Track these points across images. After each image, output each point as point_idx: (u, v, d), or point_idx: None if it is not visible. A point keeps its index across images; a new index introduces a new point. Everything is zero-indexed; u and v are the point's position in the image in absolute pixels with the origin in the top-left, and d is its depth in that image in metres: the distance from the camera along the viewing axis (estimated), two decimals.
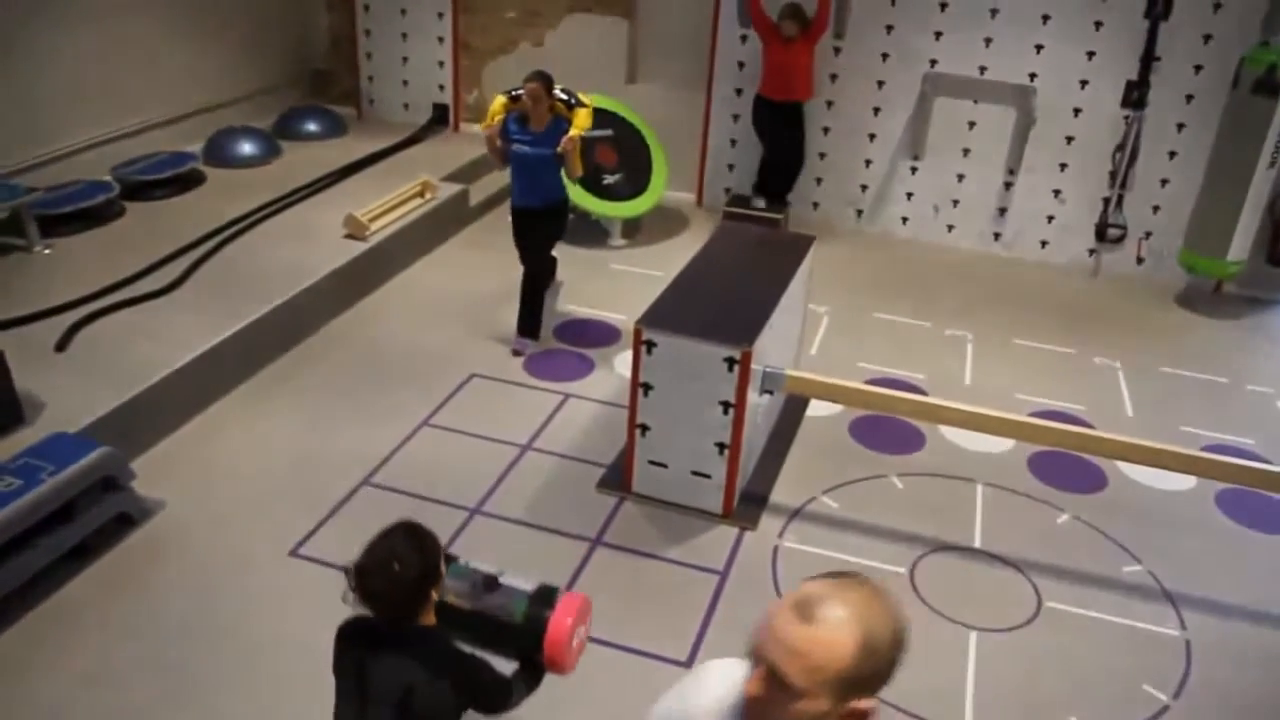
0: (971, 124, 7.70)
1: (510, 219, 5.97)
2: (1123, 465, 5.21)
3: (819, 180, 8.17)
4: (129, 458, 4.52)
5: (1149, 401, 6.00)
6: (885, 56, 7.71)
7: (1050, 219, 7.78)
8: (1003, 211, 7.88)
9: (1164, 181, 7.40)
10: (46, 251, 6.21)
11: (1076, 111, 7.43)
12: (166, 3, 7.65)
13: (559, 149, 5.61)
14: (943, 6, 7.46)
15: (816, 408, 5.60)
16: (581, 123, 5.69)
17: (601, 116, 7.29)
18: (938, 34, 7.54)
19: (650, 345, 4.52)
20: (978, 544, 4.69)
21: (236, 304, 5.68)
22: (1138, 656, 4.08)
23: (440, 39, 8.92)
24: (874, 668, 1.47)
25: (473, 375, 5.81)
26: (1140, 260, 7.62)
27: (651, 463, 4.75)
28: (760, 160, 7.91)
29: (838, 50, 7.78)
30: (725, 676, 1.69)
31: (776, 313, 4.77)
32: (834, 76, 7.85)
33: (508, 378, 5.82)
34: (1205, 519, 4.99)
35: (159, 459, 4.87)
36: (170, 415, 5.07)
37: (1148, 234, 7.56)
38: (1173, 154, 7.33)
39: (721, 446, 4.58)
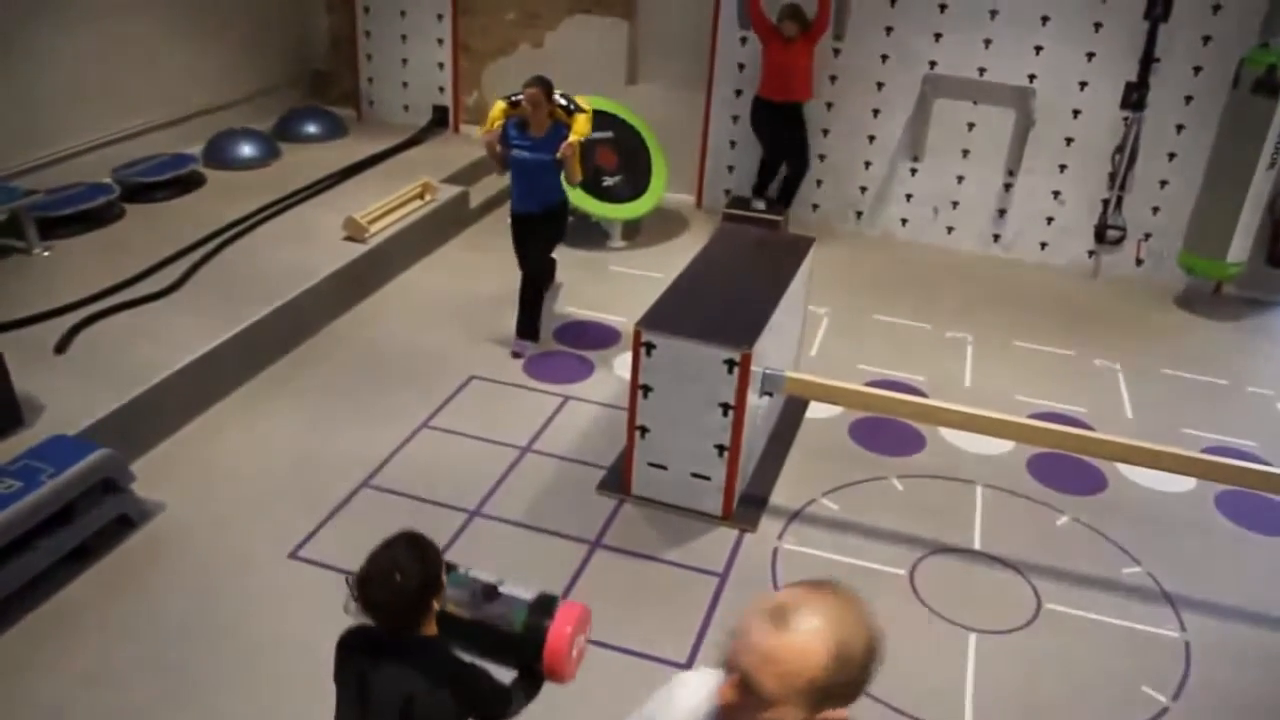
0: (971, 125, 7.70)
1: (510, 224, 5.98)
2: (1122, 467, 5.20)
3: (819, 182, 8.17)
4: (129, 460, 4.52)
5: (1149, 403, 6.00)
6: (885, 58, 7.72)
7: (1050, 220, 7.78)
8: (1002, 213, 7.88)
9: (1163, 183, 7.40)
10: (46, 253, 6.21)
11: (1076, 113, 7.44)
12: (166, 4, 7.65)
13: (558, 155, 5.62)
14: (942, 8, 7.46)
15: (816, 409, 5.60)
16: (581, 128, 5.70)
17: (601, 118, 7.30)
18: (937, 35, 7.54)
19: (650, 347, 4.52)
20: (977, 546, 4.69)
21: (236, 306, 5.68)
22: (1137, 658, 4.09)
23: (440, 41, 8.92)
24: (847, 677, 1.46)
25: (472, 377, 5.81)
26: (1140, 262, 7.62)
27: (651, 465, 4.75)
28: (759, 162, 7.91)
29: (837, 52, 7.78)
30: (699, 686, 1.68)
31: (776, 315, 4.77)
32: (833, 78, 7.85)
33: (507, 379, 5.83)
34: (1205, 521, 4.99)
35: (159, 461, 4.88)
36: (170, 417, 5.08)
37: (1147, 235, 7.56)
38: (1172, 155, 7.33)
39: (721, 448, 4.58)
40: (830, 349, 6.39)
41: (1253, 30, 6.83)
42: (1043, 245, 7.86)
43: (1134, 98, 7.20)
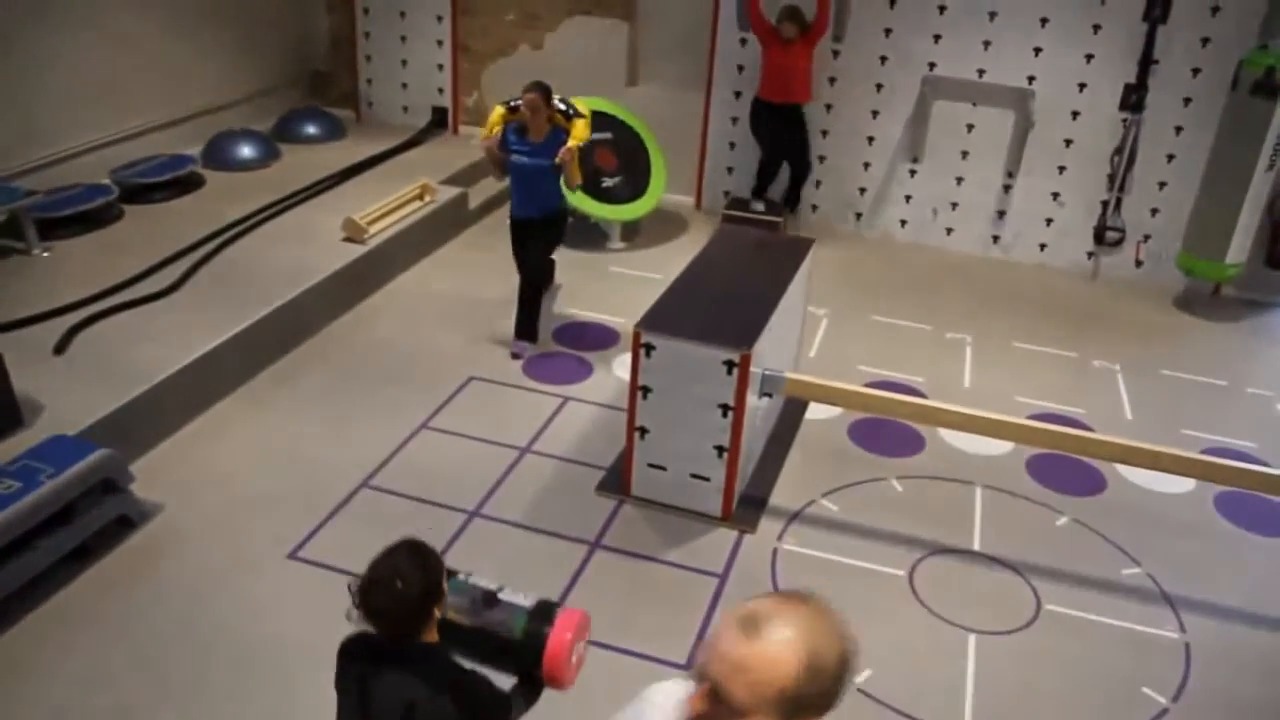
0: (970, 127, 7.71)
1: (509, 228, 5.98)
2: (1122, 468, 5.20)
3: (818, 183, 8.17)
4: (128, 460, 4.52)
5: (1148, 404, 6.00)
6: (884, 59, 7.72)
7: (1049, 222, 7.79)
8: (1001, 214, 7.89)
9: (1162, 184, 7.41)
10: (45, 254, 6.21)
11: (1075, 114, 7.45)
12: (166, 4, 7.65)
13: (557, 160, 5.63)
14: (941, 9, 7.47)
15: (816, 410, 5.60)
16: (579, 134, 5.71)
17: (601, 119, 7.31)
18: (936, 37, 7.55)
19: (649, 348, 4.52)
20: (977, 547, 4.69)
21: (235, 307, 5.68)
22: (1137, 659, 4.09)
23: (440, 42, 8.92)
24: (819, 688, 1.45)
25: (472, 378, 5.81)
26: (1139, 263, 7.63)
27: (650, 465, 4.75)
28: (759, 163, 7.91)
29: (836, 53, 7.79)
30: (670, 695, 1.68)
31: (776, 316, 4.78)
32: (833, 79, 7.86)
33: (507, 380, 5.83)
34: (1204, 522, 5.00)
35: (158, 461, 4.88)
36: (169, 417, 5.07)
37: (1146, 237, 7.57)
38: (1171, 157, 7.34)
39: (720, 449, 4.58)
40: (830, 350, 6.39)
41: (1251, 32, 6.84)
42: (1042, 246, 7.86)
43: (1133, 99, 7.22)
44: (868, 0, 7.59)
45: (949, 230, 8.05)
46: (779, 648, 1.43)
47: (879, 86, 7.81)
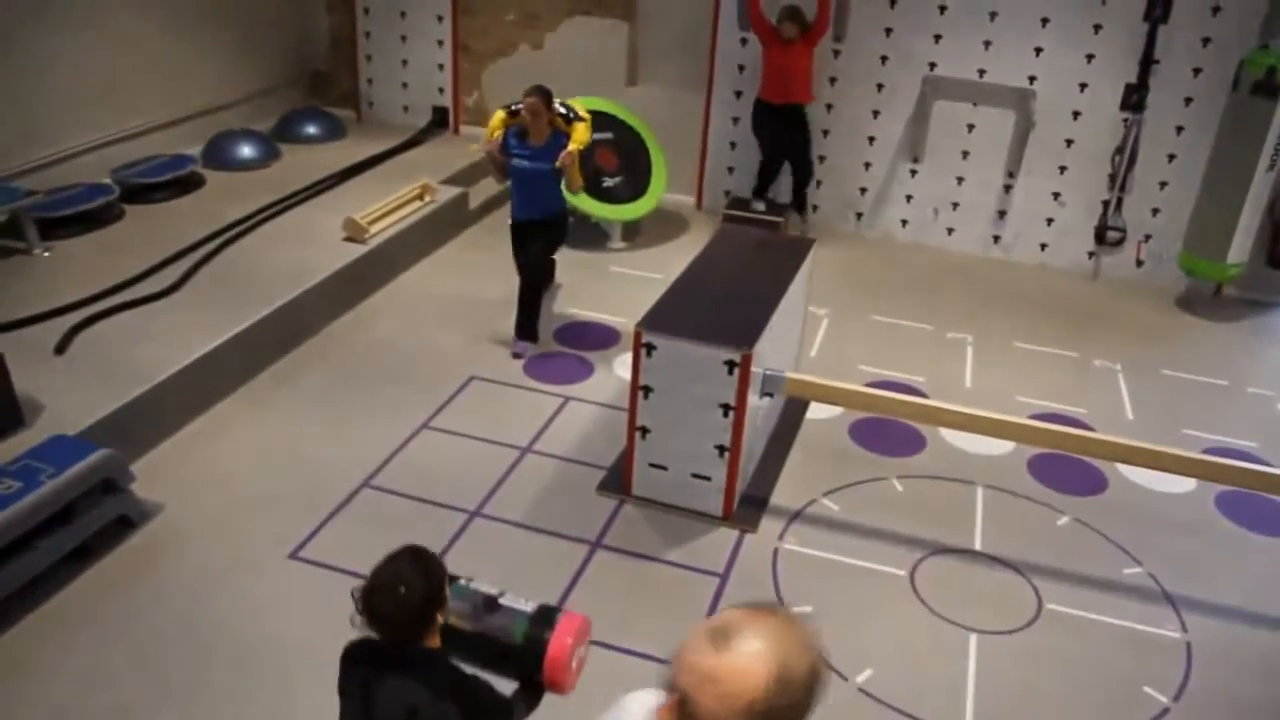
0: (971, 127, 7.70)
1: (510, 231, 5.99)
2: (1123, 467, 5.20)
3: (819, 183, 8.16)
4: (129, 460, 4.52)
5: (1149, 404, 6.00)
6: (885, 59, 7.72)
7: (1050, 222, 7.78)
8: (1002, 214, 7.89)
9: (1163, 184, 7.41)
10: (46, 254, 6.21)
11: (1076, 114, 7.44)
12: (166, 4, 7.65)
13: (557, 164, 5.63)
14: (942, 9, 7.47)
15: (816, 410, 5.59)
16: (580, 137, 5.73)
17: (601, 119, 7.30)
18: (937, 37, 7.54)
19: (650, 348, 4.52)
20: (978, 546, 4.69)
21: (236, 306, 5.68)
22: (1138, 658, 4.08)
23: (440, 42, 8.92)
24: (788, 700, 1.45)
25: (472, 378, 5.81)
26: (1140, 263, 7.62)
27: (651, 465, 4.75)
28: (760, 164, 7.91)
29: (837, 53, 7.78)
30: (642, 706, 1.68)
31: (776, 315, 4.77)
32: (833, 79, 7.86)
33: (507, 380, 5.82)
34: (1205, 521, 4.99)
35: (159, 461, 4.87)
36: (170, 417, 5.07)
37: (1147, 237, 7.57)
38: (1172, 157, 7.33)
39: (721, 449, 4.57)
40: (830, 350, 6.39)
41: (1252, 32, 6.84)
42: (1043, 246, 7.86)
43: (1134, 99, 7.21)
44: (868, 0, 7.59)
45: (950, 230, 8.04)
46: (748, 659, 1.43)
47: (880, 86, 7.81)
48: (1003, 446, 5.34)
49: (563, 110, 5.76)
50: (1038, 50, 7.37)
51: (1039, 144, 7.56)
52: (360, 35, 9.10)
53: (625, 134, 7.77)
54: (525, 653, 2.39)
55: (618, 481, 4.92)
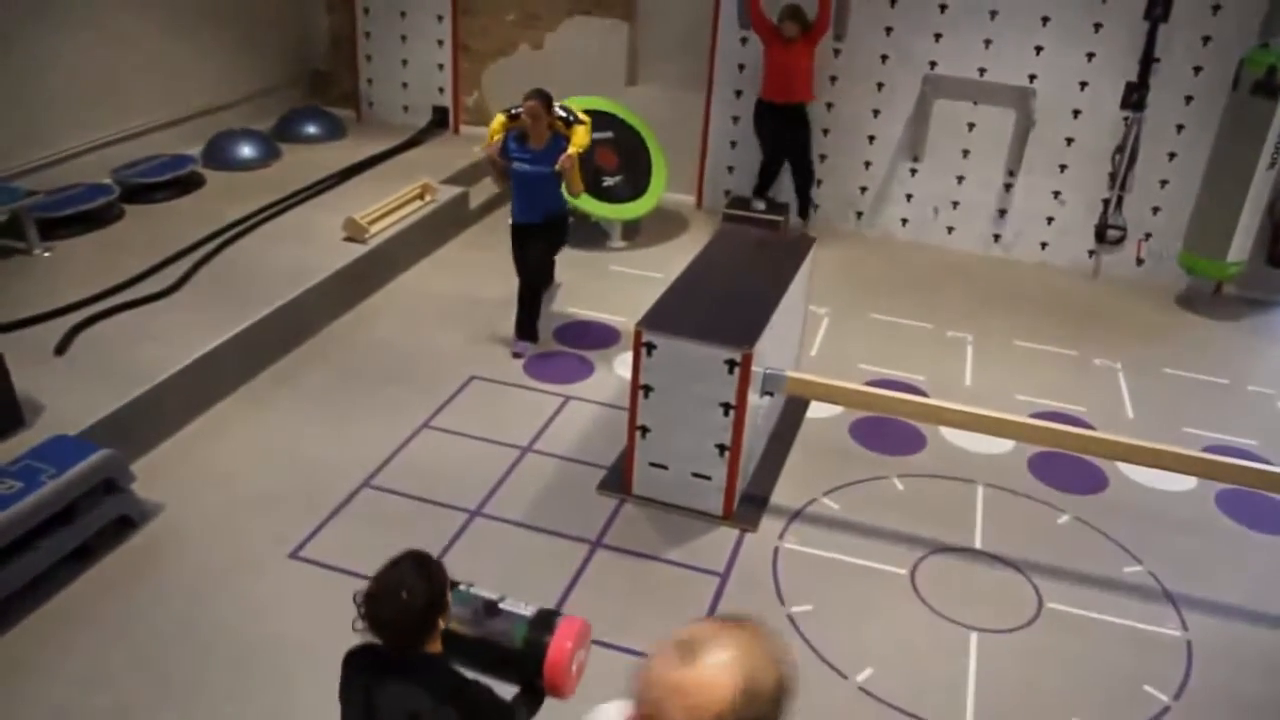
0: (971, 126, 7.70)
1: (510, 234, 5.99)
2: (1123, 466, 5.21)
3: (819, 182, 8.16)
4: (129, 460, 4.52)
5: (1149, 402, 6.00)
6: (885, 58, 7.72)
7: (1050, 220, 7.78)
8: (1002, 213, 7.89)
9: (1163, 183, 7.41)
10: (46, 254, 6.21)
11: (1076, 113, 7.44)
12: (166, 4, 7.65)
13: (557, 167, 5.64)
14: (942, 8, 7.47)
15: (817, 409, 5.59)
16: (580, 140, 5.73)
17: (601, 119, 7.31)
18: (937, 36, 7.54)
19: (650, 347, 4.52)
20: (978, 545, 4.69)
21: (236, 306, 5.68)
22: (1139, 657, 4.08)
23: (440, 41, 8.92)
24: (755, 713, 1.44)
25: (473, 377, 5.81)
26: (1140, 261, 7.62)
27: (652, 464, 4.75)
28: (761, 163, 7.91)
29: (837, 52, 7.78)
30: (614, 717, 1.67)
31: (777, 315, 4.77)
32: (834, 78, 7.85)
33: (508, 380, 5.82)
34: (1206, 519, 4.99)
35: (159, 461, 4.87)
36: (170, 417, 5.07)
37: (1147, 235, 7.56)
38: (1172, 155, 7.33)
39: (722, 448, 4.57)
40: (831, 349, 6.39)
41: (1252, 31, 6.83)
42: (1043, 245, 7.86)
43: (1134, 98, 7.21)
44: None
45: (950, 229, 8.04)
46: (715, 672, 1.43)
47: (880, 85, 7.80)
48: (1003, 445, 5.34)
49: (562, 113, 5.78)
50: (1038, 49, 7.36)
51: (1039, 142, 7.56)
52: (360, 35, 9.10)
53: (625, 133, 7.77)
54: (525, 657, 2.40)
55: (618, 481, 4.92)
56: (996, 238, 7.96)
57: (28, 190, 6.26)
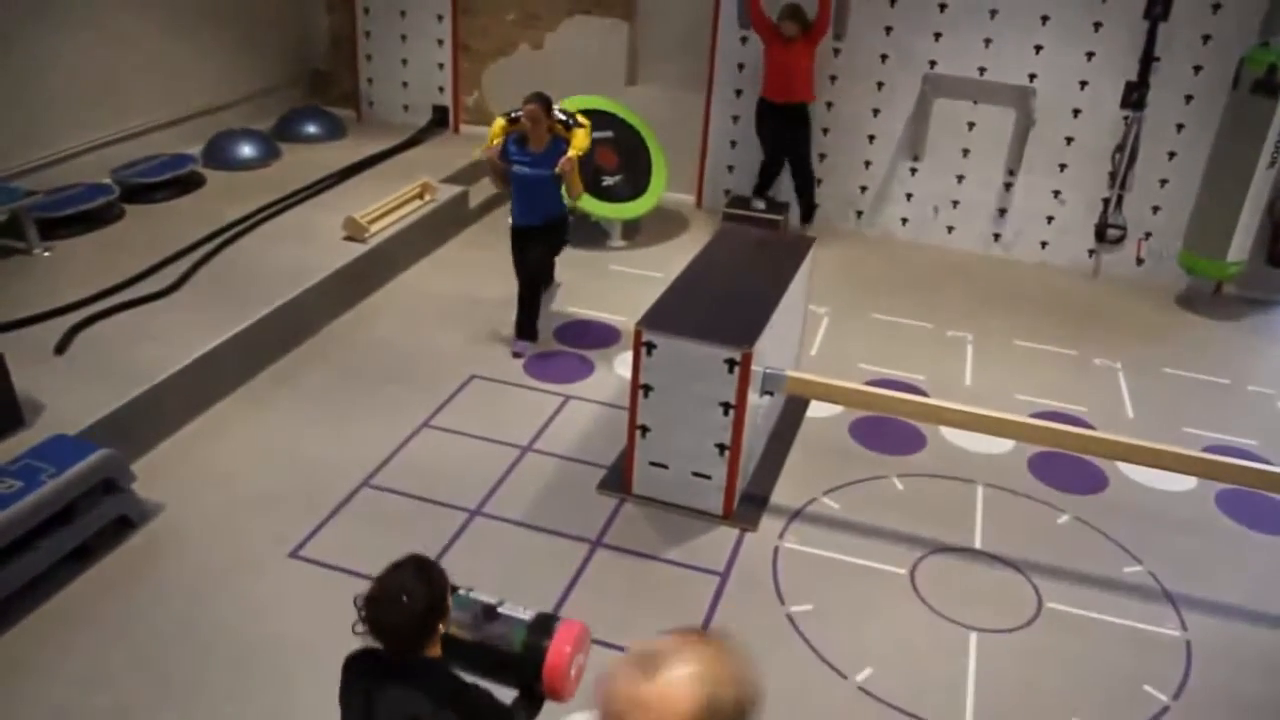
0: (971, 125, 7.70)
1: (510, 237, 5.99)
2: (1123, 466, 5.20)
3: (819, 181, 8.15)
4: (129, 460, 4.52)
5: (1149, 402, 6.00)
6: (885, 57, 7.71)
7: (1050, 220, 7.78)
8: (1002, 212, 7.88)
9: (1163, 182, 7.40)
10: (46, 254, 6.21)
11: (1076, 112, 7.44)
12: (166, 4, 7.65)
13: (557, 170, 5.64)
14: (942, 8, 7.46)
15: (817, 409, 5.59)
16: (579, 143, 5.75)
17: (601, 118, 7.30)
18: (937, 35, 7.54)
19: (650, 347, 4.52)
20: (978, 545, 4.69)
21: (236, 306, 5.68)
22: (1138, 657, 4.08)
23: (440, 41, 8.92)
24: None
25: (473, 377, 5.81)
26: (1140, 261, 7.62)
27: (652, 464, 4.75)
28: (761, 163, 7.91)
29: (837, 51, 7.78)
30: None
31: (777, 314, 4.77)
32: (834, 78, 7.85)
33: (508, 379, 5.82)
34: (1206, 519, 4.99)
35: (159, 461, 4.87)
36: (170, 417, 5.07)
37: (1147, 235, 7.56)
38: (1172, 154, 7.33)
39: (722, 448, 4.57)
40: (831, 348, 6.38)
41: (1253, 30, 6.83)
42: (1043, 244, 7.86)
43: (1134, 97, 7.21)
44: None
45: (950, 228, 8.04)
46: (676, 686, 1.42)
47: (880, 84, 7.80)
48: (1003, 445, 5.34)
49: (562, 117, 5.79)
50: (1038, 48, 7.36)
51: (1039, 142, 7.55)
52: (360, 35, 9.10)
53: (625, 133, 7.76)
54: (524, 661, 2.40)
55: (618, 480, 4.92)
56: (996, 237, 7.96)
57: (28, 190, 6.26)
